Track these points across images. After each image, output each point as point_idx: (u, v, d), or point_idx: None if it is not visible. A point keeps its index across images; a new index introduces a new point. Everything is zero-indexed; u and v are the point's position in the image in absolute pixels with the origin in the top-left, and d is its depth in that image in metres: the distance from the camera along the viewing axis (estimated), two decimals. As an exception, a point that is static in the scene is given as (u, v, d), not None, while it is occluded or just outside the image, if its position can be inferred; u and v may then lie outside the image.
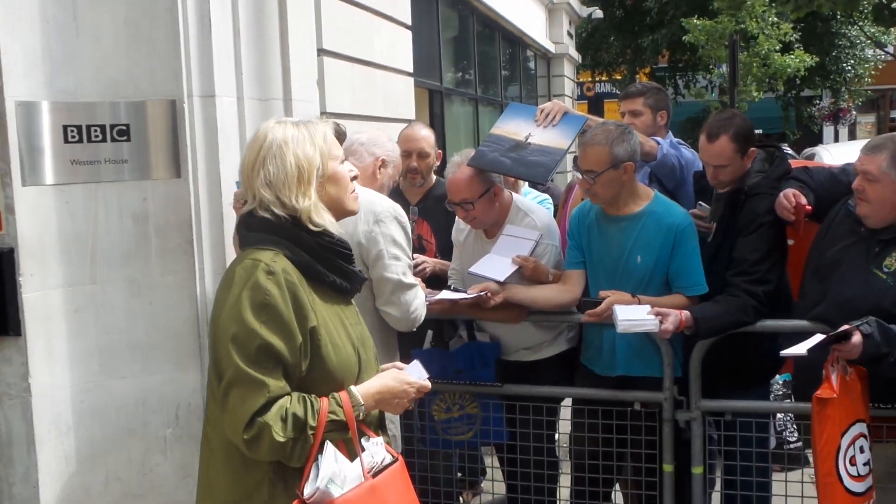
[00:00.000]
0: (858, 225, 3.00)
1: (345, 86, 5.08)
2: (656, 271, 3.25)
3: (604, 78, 26.16)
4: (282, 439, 1.91)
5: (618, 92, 25.18)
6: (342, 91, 5.01)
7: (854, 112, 25.98)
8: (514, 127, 3.40)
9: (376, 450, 2.10)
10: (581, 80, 23.81)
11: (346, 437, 2.04)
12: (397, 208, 2.97)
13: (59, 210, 3.31)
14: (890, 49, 23.59)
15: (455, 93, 10.48)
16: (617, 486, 3.63)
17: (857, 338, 2.72)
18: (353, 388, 2.07)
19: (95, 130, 3.36)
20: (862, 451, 2.84)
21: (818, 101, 25.28)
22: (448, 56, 10.06)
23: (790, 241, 3.39)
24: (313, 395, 1.99)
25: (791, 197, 3.11)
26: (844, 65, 23.38)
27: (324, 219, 2.06)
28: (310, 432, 1.95)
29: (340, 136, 3.55)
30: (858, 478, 2.84)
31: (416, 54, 6.73)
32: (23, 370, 3.18)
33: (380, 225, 2.90)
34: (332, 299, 2.09)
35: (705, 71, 22.37)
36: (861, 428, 2.84)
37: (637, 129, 3.92)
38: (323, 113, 4.49)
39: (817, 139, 24.38)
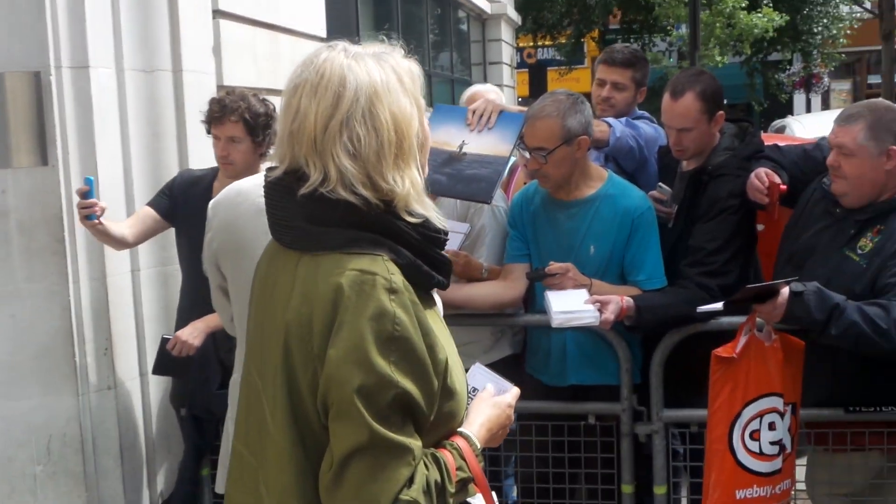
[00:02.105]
0: (834, 206, 3.08)
1: (245, 53, 5.00)
2: (612, 262, 3.30)
3: (547, 42, 26.40)
4: None
5: (561, 58, 25.48)
6: (242, 60, 4.94)
7: (827, 79, 26.82)
8: (443, 135, 3.31)
9: None
10: (521, 45, 23.97)
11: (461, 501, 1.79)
12: None
13: None
14: (868, 5, 24.37)
15: (376, 60, 10.45)
16: (570, 512, 3.67)
17: (782, 296, 2.80)
18: (464, 430, 1.81)
19: (-60, 109, 3.24)
20: (772, 427, 2.93)
21: (788, 67, 26.00)
22: (366, 18, 10.02)
23: (760, 227, 3.45)
24: (434, 450, 1.72)
25: (763, 176, 3.18)
26: (817, 24, 24.08)
27: (425, 205, 1.71)
28: (449, 501, 1.69)
29: (247, 112, 3.49)
30: (760, 456, 2.94)
31: (329, 16, 6.67)
32: None
33: None
34: (428, 302, 1.77)
35: (662, 33, 22.74)
36: (775, 403, 2.93)
37: (615, 105, 3.95)
38: (220, 86, 4.41)
39: (787, 109, 25.08)
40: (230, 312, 2.92)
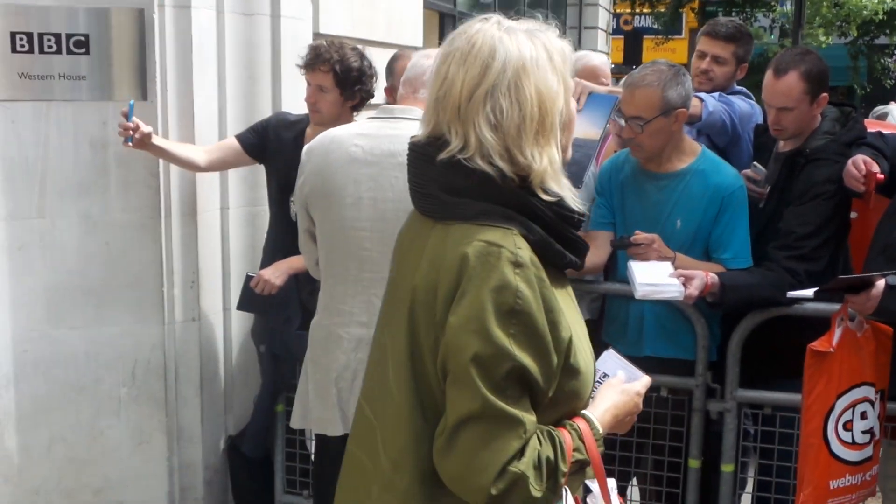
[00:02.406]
0: None
1: (341, 2, 5.03)
2: (697, 239, 3.25)
3: (645, 10, 25.84)
4: (538, 494, 1.62)
5: (658, 28, 24.94)
6: (339, 9, 4.97)
7: (936, 65, 25.76)
8: None
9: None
10: (618, 10, 23.53)
11: (578, 485, 1.80)
12: None
13: (3, 130, 3.31)
14: None
15: (470, 17, 10.38)
16: (634, 481, 3.68)
17: (876, 289, 2.73)
18: (587, 413, 1.80)
19: (49, 39, 3.34)
20: (864, 417, 2.90)
21: (895, 51, 25.04)
22: (465, -26, 9.95)
23: (853, 215, 3.37)
24: (551, 428, 1.71)
25: (861, 164, 3.09)
26: (929, 9, 23.11)
27: (561, 185, 1.71)
28: (560, 480, 1.67)
29: (337, 63, 3.52)
30: (852, 445, 2.91)
31: (428, -29, 6.64)
32: (-44, 313, 3.21)
33: None
34: (560, 281, 1.77)
35: (766, 8, 22.06)
36: (867, 392, 2.90)
37: (714, 79, 3.88)
38: (316, 34, 4.45)
39: (890, 95, 24.18)
40: (315, 256, 2.98)
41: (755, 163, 3.47)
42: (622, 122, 3.26)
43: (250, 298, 3.54)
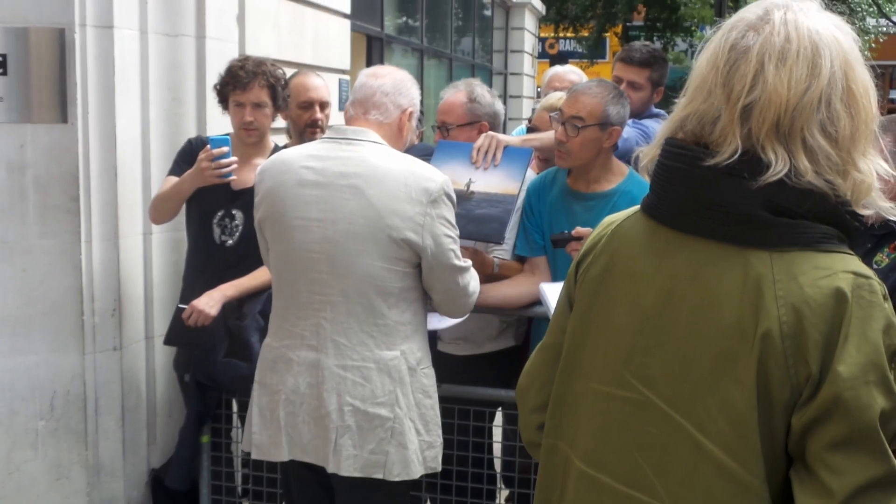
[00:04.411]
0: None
1: (269, 24, 5.00)
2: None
3: (569, 34, 26.32)
4: None
5: (582, 51, 25.40)
6: (266, 30, 4.94)
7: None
8: (449, 173, 3.18)
9: None
10: (543, 35, 23.89)
11: None
12: (447, 182, 2.87)
13: (-86, 153, 3.19)
14: None
15: (398, 41, 10.42)
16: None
17: None
18: None
19: (-36, 59, 3.25)
20: None
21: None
22: (392, -3, 10.00)
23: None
24: None
25: None
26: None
27: (880, 207, 1.46)
28: None
29: (270, 77, 3.49)
30: None
31: (355, -8, 6.66)
32: None
33: (436, 206, 2.76)
34: None
35: (686, 33, 22.62)
36: None
37: (630, 103, 3.96)
38: (242, 56, 4.41)
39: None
40: None
41: None
42: (560, 124, 3.28)
43: (179, 331, 3.46)
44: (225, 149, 3.35)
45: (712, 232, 1.45)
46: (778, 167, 1.38)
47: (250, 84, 3.46)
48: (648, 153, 1.59)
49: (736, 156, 1.40)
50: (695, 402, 1.44)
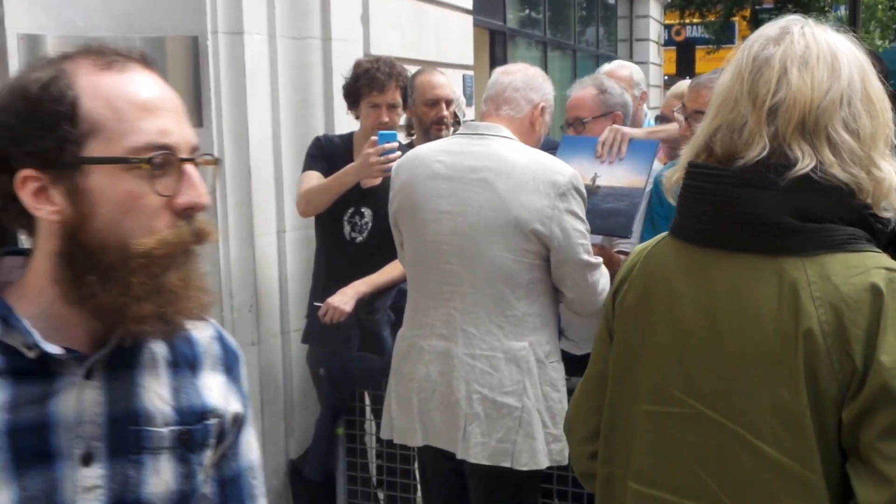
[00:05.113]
0: None
1: (392, 23, 5.05)
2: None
3: (695, 20, 25.67)
4: None
5: (709, 37, 24.73)
6: (389, 29, 4.99)
7: None
8: (575, 168, 3.16)
9: None
10: (668, 21, 23.39)
11: None
12: (576, 175, 2.85)
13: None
14: None
15: (521, 34, 10.38)
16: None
17: None
18: None
19: (107, 70, 3.40)
20: None
21: (956, 51, 24.51)
22: (513, -9, 9.97)
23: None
24: None
25: None
26: None
27: None
28: None
29: (402, 78, 3.54)
30: None
31: (477, -12, 6.66)
32: None
33: (564, 199, 2.77)
34: None
35: (819, 13, 21.79)
36: None
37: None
38: (367, 55, 4.47)
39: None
40: None
41: None
42: (683, 119, 3.22)
43: (316, 329, 3.53)
44: (395, 144, 3.39)
45: (743, 245, 1.49)
46: (805, 162, 1.43)
47: (387, 85, 3.51)
48: (672, 176, 1.63)
49: (765, 152, 1.45)
50: (747, 408, 1.48)
